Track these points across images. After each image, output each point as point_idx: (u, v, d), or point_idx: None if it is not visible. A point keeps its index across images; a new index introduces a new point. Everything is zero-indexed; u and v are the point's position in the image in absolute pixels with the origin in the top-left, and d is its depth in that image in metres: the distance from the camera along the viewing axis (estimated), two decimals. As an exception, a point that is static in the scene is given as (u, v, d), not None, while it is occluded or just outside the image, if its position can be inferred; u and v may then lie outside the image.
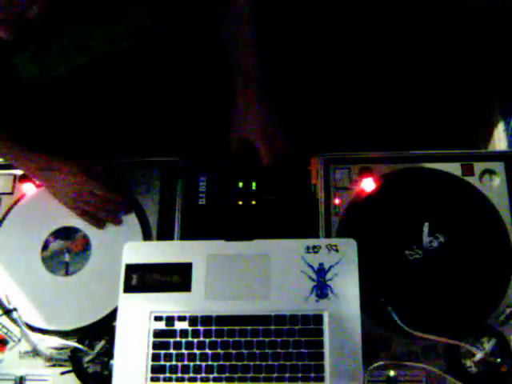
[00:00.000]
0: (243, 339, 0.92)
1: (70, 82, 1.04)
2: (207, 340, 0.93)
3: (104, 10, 0.91)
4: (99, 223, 1.05)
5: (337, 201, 1.04)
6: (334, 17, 1.31)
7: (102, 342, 0.96)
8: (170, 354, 0.92)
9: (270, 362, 0.91)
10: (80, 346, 0.95)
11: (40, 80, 0.98)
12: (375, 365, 0.93)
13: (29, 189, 1.08)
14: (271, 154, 1.05)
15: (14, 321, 0.99)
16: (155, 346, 0.93)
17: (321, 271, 0.94)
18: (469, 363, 0.93)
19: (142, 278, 0.96)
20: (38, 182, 1.08)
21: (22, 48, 0.92)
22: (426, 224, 1.00)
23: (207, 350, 0.92)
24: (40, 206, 1.06)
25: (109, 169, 1.06)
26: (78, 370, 0.95)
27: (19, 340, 0.99)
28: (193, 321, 0.93)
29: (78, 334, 0.98)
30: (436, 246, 0.99)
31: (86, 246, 1.04)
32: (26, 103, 1.07)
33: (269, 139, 1.05)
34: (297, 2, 1.30)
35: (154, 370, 0.92)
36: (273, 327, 0.92)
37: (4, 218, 1.07)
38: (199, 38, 1.18)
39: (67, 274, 1.03)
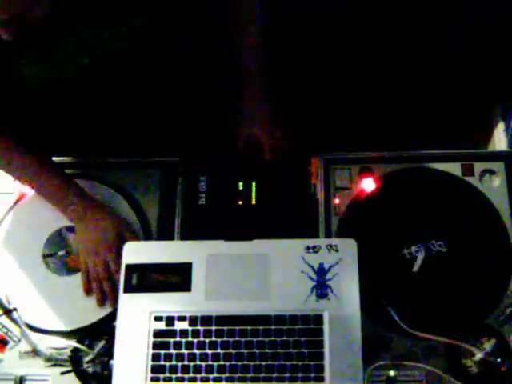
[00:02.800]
0: (243, 339, 0.92)
1: (71, 83, 1.04)
2: (207, 340, 0.93)
3: (108, 11, 0.92)
4: (103, 298, 1.00)
5: (337, 201, 1.04)
6: (335, 18, 1.31)
7: (102, 342, 0.96)
8: (170, 354, 0.92)
9: (269, 362, 0.91)
10: (80, 346, 0.95)
11: (43, 81, 0.98)
12: (375, 365, 0.93)
13: (29, 189, 1.08)
14: (273, 152, 1.05)
15: (14, 321, 1.00)
16: (155, 345, 0.93)
17: (321, 271, 0.94)
18: (469, 363, 0.93)
19: (142, 278, 0.96)
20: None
21: (25, 49, 0.92)
22: (421, 254, 0.99)
23: (207, 350, 0.92)
24: (40, 206, 1.06)
25: (134, 238, 1.03)
26: (77, 370, 0.95)
27: (19, 340, 0.99)
28: (193, 321, 0.93)
29: (78, 334, 0.98)
30: (436, 246, 0.99)
31: (86, 246, 1.04)
32: (28, 104, 1.07)
33: (271, 138, 1.05)
34: (299, 5, 1.30)
35: (154, 370, 0.92)
36: (273, 327, 0.92)
37: (4, 217, 1.07)
38: (202, 37, 1.18)
39: (67, 273, 1.03)
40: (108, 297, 1.00)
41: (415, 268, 0.98)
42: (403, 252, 1.00)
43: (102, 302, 1.00)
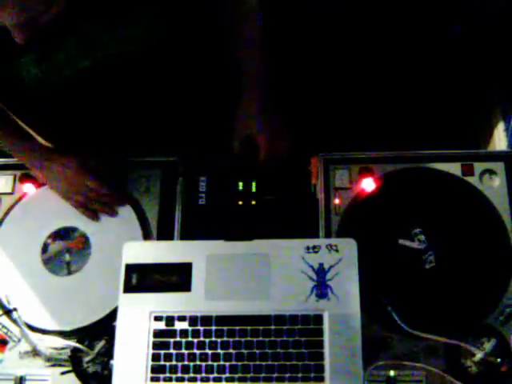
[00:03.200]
0: (243, 339, 0.92)
1: (71, 84, 1.04)
2: (207, 340, 0.93)
3: (112, 15, 0.92)
4: (94, 215, 1.06)
5: (337, 201, 1.04)
6: (335, 18, 1.31)
7: (102, 342, 0.96)
8: (170, 354, 0.92)
9: (269, 362, 0.91)
10: (80, 346, 0.95)
11: (44, 82, 0.98)
12: (375, 365, 0.93)
13: (29, 189, 1.08)
14: (273, 152, 1.05)
15: (14, 321, 0.99)
16: (155, 346, 0.93)
17: (321, 271, 0.94)
18: (469, 363, 0.93)
19: (142, 278, 0.96)
20: (37, 177, 1.09)
21: (26, 50, 0.92)
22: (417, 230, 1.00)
23: (207, 350, 0.92)
24: (40, 206, 1.06)
25: (104, 164, 1.08)
26: (77, 370, 0.95)
27: (19, 340, 0.99)
28: (193, 321, 0.93)
29: (78, 334, 0.98)
30: (436, 246, 0.99)
31: (85, 245, 1.04)
32: (29, 104, 1.08)
33: (271, 138, 1.05)
34: (300, 5, 1.30)
35: (154, 370, 0.92)
36: (273, 327, 0.92)
37: (4, 217, 1.07)
38: (202, 38, 1.18)
39: (67, 274, 1.03)
40: (113, 207, 1.06)
41: (402, 242, 0.98)
42: (403, 252, 1.00)
43: (112, 211, 1.06)
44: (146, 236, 1.04)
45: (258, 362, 0.91)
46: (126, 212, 1.06)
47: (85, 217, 1.06)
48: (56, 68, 0.96)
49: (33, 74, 0.95)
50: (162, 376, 0.92)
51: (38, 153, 1.07)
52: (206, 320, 0.93)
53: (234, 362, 0.91)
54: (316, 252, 0.95)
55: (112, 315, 0.98)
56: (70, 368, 0.95)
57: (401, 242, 0.98)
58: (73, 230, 1.05)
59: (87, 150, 1.09)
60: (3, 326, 1.00)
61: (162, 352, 0.93)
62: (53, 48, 0.93)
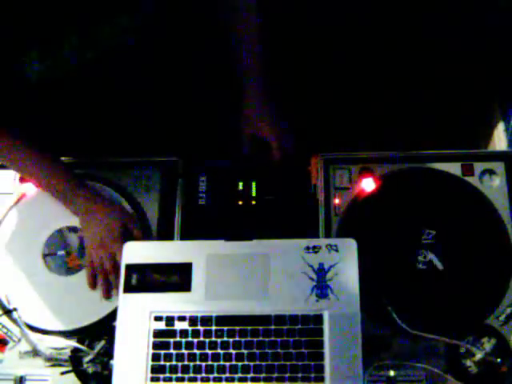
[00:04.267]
0: (243, 339, 0.92)
1: (71, 83, 1.04)
2: (207, 340, 0.93)
3: (112, 4, 0.91)
4: (95, 285, 1.01)
5: (337, 201, 1.04)
6: (336, 17, 1.31)
7: (102, 342, 0.96)
8: (170, 354, 0.92)
9: (269, 362, 0.91)
10: (80, 346, 0.95)
11: (47, 77, 0.98)
12: (375, 365, 0.93)
13: (29, 189, 1.08)
14: (275, 151, 1.05)
15: (14, 321, 0.99)
16: (155, 346, 0.93)
17: (321, 271, 0.94)
18: (469, 363, 0.93)
19: (142, 278, 0.96)
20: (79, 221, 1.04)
21: (29, 46, 0.92)
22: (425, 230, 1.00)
23: (207, 350, 0.92)
24: (40, 206, 1.06)
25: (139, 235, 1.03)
26: (77, 370, 0.95)
27: (19, 340, 0.99)
28: (193, 321, 0.93)
29: (78, 334, 0.98)
30: (436, 246, 0.99)
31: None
32: (31, 101, 1.07)
33: (273, 138, 1.06)
34: (300, 4, 1.30)
35: (154, 370, 0.92)
36: (273, 327, 0.92)
37: (4, 217, 1.07)
38: (202, 37, 1.18)
39: (67, 273, 1.03)
40: (115, 289, 0.99)
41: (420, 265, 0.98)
42: (403, 252, 1.00)
43: (108, 295, 1.00)
44: (146, 236, 1.04)
45: (257, 362, 0.91)
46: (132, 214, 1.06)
47: (86, 278, 1.01)
48: (59, 63, 0.96)
49: (36, 69, 0.95)
50: (161, 376, 0.92)
51: (84, 195, 1.03)
52: (206, 320, 0.93)
53: (233, 362, 0.91)
54: (316, 252, 0.95)
55: (112, 315, 0.98)
56: (70, 368, 0.95)
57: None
58: (73, 229, 1.05)
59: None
60: (3, 326, 1.00)
61: (162, 352, 0.93)
62: (56, 42, 0.92)
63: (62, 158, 1.09)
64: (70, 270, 1.03)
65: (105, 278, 1.00)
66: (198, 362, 0.92)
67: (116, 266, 0.99)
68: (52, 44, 0.92)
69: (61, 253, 1.04)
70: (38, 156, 1.02)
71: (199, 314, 0.94)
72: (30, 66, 0.94)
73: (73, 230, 1.05)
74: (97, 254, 1.00)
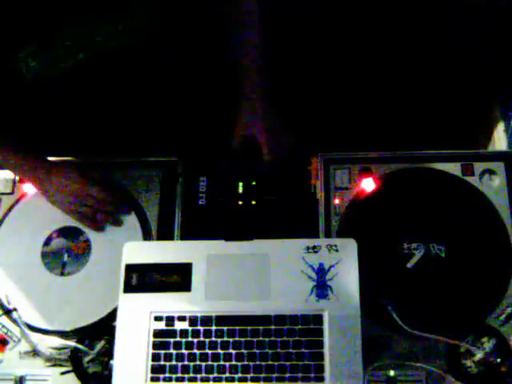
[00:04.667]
0: (243, 339, 0.92)
1: (70, 81, 1.04)
2: (207, 340, 0.93)
3: (107, 7, 0.91)
4: (98, 225, 1.05)
5: (337, 201, 1.04)
6: (335, 17, 1.31)
7: (102, 342, 0.96)
8: (170, 354, 0.92)
9: (269, 362, 0.91)
10: (80, 346, 0.95)
11: (41, 77, 0.98)
12: (375, 365, 0.93)
13: (29, 189, 1.08)
14: (273, 152, 1.05)
15: (14, 321, 0.99)
16: (155, 346, 0.93)
17: (321, 271, 0.94)
18: (469, 363, 0.93)
19: (142, 278, 0.96)
20: (38, 192, 1.07)
21: (23, 45, 0.92)
22: (419, 253, 1.00)
23: (207, 350, 0.92)
24: (40, 206, 1.06)
25: (105, 174, 1.07)
26: (77, 370, 0.95)
27: (19, 340, 0.99)
28: (193, 321, 0.93)
29: (77, 334, 0.98)
30: (436, 246, 1.00)
31: (85, 245, 1.04)
32: (26, 101, 1.07)
33: (271, 138, 1.06)
34: (300, 5, 1.30)
35: (154, 370, 0.92)
36: (273, 327, 0.92)
37: (4, 217, 1.07)
38: (202, 37, 1.18)
39: (67, 273, 1.03)
40: (115, 216, 1.05)
41: (409, 264, 0.98)
42: (403, 252, 1.00)
43: (117, 221, 1.05)
44: (146, 236, 1.04)
45: (258, 362, 0.91)
46: (127, 212, 1.06)
47: (91, 229, 1.05)
48: (54, 61, 0.96)
49: (31, 67, 0.95)
50: (161, 376, 0.92)
51: (38, 166, 1.05)
52: (206, 320, 0.93)
53: (233, 362, 0.91)
54: (316, 252, 0.95)
55: (112, 315, 0.98)
56: (70, 368, 0.95)
57: (409, 265, 0.98)
58: (73, 229, 1.05)
59: (86, 162, 1.08)
60: (3, 326, 1.00)
61: (162, 352, 0.93)
62: (51, 41, 0.92)
63: (63, 158, 1.09)
64: (70, 270, 1.03)
65: (102, 213, 1.04)
66: (197, 362, 0.92)
67: (101, 198, 1.03)
68: (47, 43, 0.92)
69: (61, 253, 1.04)
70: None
71: (199, 314, 0.94)
72: (25, 64, 0.94)
73: (73, 230, 1.05)
74: (77, 206, 1.03)
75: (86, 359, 0.95)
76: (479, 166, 1.04)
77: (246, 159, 1.08)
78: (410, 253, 0.99)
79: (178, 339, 0.93)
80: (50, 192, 1.05)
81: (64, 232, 1.05)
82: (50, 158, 1.07)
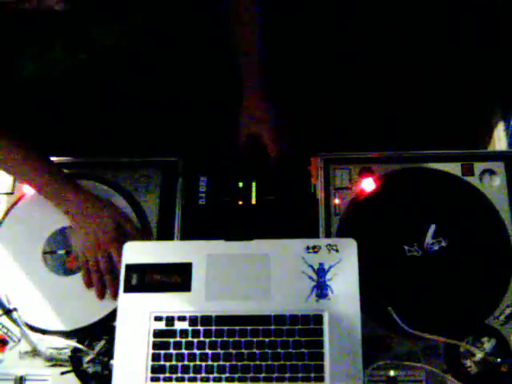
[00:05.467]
0: (243, 339, 0.92)
1: (70, 82, 1.04)
2: (207, 340, 0.93)
3: (105, 8, 0.91)
4: (90, 285, 1.01)
5: (337, 201, 1.04)
6: (336, 17, 1.31)
7: (102, 342, 0.96)
8: (170, 354, 0.92)
9: (269, 362, 0.91)
10: (80, 346, 0.95)
11: (40, 78, 0.98)
12: (375, 365, 0.93)
13: (29, 189, 1.08)
14: (274, 151, 1.05)
15: (14, 321, 0.99)
16: (155, 346, 0.93)
17: (321, 271, 0.94)
18: (469, 363, 0.93)
19: (142, 278, 0.96)
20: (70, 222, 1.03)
21: (22, 47, 0.92)
22: (433, 226, 1.00)
23: (207, 350, 0.92)
24: (40, 206, 1.06)
25: (134, 233, 1.03)
26: (77, 370, 0.95)
27: (19, 340, 0.99)
28: (193, 321, 0.93)
29: (78, 334, 0.98)
30: (436, 246, 0.99)
31: (86, 246, 1.04)
32: (25, 102, 1.07)
33: (272, 137, 1.06)
34: (300, 4, 1.30)
35: (154, 370, 0.92)
36: (273, 327, 0.92)
37: (4, 217, 1.07)
38: (202, 37, 1.18)
39: (67, 273, 1.03)
40: (109, 289, 1.00)
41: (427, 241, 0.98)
42: (403, 252, 1.00)
43: (102, 295, 1.00)
44: (146, 236, 1.04)
45: (258, 362, 0.91)
46: (126, 212, 1.06)
47: (82, 280, 1.01)
48: (53, 63, 0.96)
49: (30, 69, 0.95)
50: (161, 376, 0.92)
51: (75, 195, 1.01)
52: (206, 320, 0.93)
53: (233, 362, 0.91)
54: (316, 252, 0.95)
55: (112, 315, 0.98)
56: (70, 368, 0.95)
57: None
58: (73, 235, 1.05)
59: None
60: (3, 326, 1.00)
61: (162, 352, 0.92)
62: (49, 44, 0.92)
63: (63, 158, 1.09)
64: (70, 270, 1.03)
65: (99, 278, 1.00)
66: (197, 362, 0.92)
67: (112, 266, 1.00)
68: (46, 45, 0.92)
69: (61, 253, 1.04)
70: (23, 156, 1.00)
71: (199, 314, 0.94)
72: (25, 65, 0.94)
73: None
74: (91, 254, 1.00)
75: (86, 359, 0.95)
76: (479, 166, 1.04)
77: (246, 159, 1.08)
78: (410, 253, 0.99)
79: (178, 339, 0.93)
80: (82, 225, 1.01)
81: (64, 232, 1.05)
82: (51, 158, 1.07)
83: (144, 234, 1.03)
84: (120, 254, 0.97)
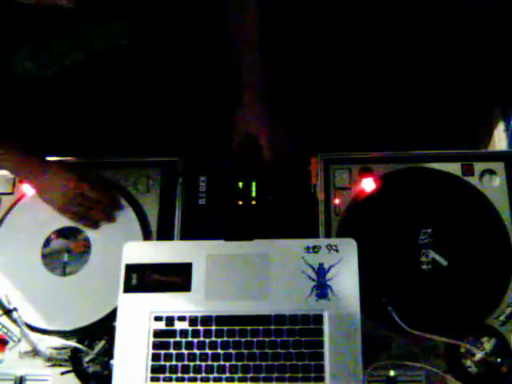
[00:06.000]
0: (243, 339, 0.92)
1: (69, 81, 1.04)
2: (207, 340, 0.93)
3: (103, 8, 0.91)
4: (93, 223, 1.05)
5: (337, 201, 1.04)
6: (336, 18, 1.31)
7: (102, 342, 0.96)
8: (170, 354, 0.92)
9: (269, 362, 0.91)
10: (80, 346, 0.95)
11: (37, 77, 0.98)
12: (375, 365, 0.93)
13: (29, 189, 1.08)
14: (274, 151, 1.05)
15: (14, 321, 0.99)
16: (155, 346, 0.93)
17: (321, 271, 0.94)
18: (469, 363, 0.93)
19: (142, 278, 0.96)
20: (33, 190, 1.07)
21: (20, 45, 0.92)
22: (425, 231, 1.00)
23: (207, 350, 0.92)
24: (40, 206, 1.06)
25: (100, 173, 1.07)
26: (77, 370, 0.95)
27: (19, 340, 0.99)
28: (193, 321, 0.93)
29: (77, 334, 0.98)
30: (436, 246, 1.00)
31: (85, 245, 1.04)
32: (22, 101, 1.07)
33: (272, 137, 1.06)
34: (299, 4, 1.30)
35: (154, 370, 0.92)
36: (273, 327, 0.92)
37: (4, 218, 1.07)
38: (201, 37, 1.18)
39: (67, 273, 1.03)
40: (106, 214, 1.05)
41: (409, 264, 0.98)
42: (403, 252, 1.00)
43: (110, 218, 1.05)
44: (146, 236, 1.04)
45: (257, 362, 0.91)
46: (126, 212, 1.06)
47: (85, 228, 1.05)
48: (50, 61, 0.96)
49: (27, 67, 0.95)
50: (161, 376, 0.92)
51: (34, 164, 1.05)
52: (206, 320, 0.93)
53: (234, 362, 0.91)
54: (316, 252, 0.95)
55: (112, 315, 0.98)
56: (70, 368, 0.95)
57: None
58: (73, 230, 1.05)
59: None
60: (3, 326, 1.00)
61: (162, 352, 0.93)
62: (47, 41, 0.92)
63: (63, 158, 1.09)
64: (70, 270, 1.03)
65: (96, 211, 1.04)
66: (198, 362, 0.92)
67: (95, 197, 1.04)
68: (44, 43, 0.92)
69: (61, 253, 1.04)
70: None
71: (199, 314, 0.94)
72: (23, 64, 0.94)
73: (73, 230, 1.05)
74: (71, 205, 1.04)
75: (86, 359, 0.95)
76: (479, 166, 1.04)
77: (245, 159, 1.08)
78: (410, 253, 0.99)
79: (178, 339, 0.93)
80: (43, 190, 1.06)
81: (64, 232, 1.05)
82: (50, 158, 1.07)
83: (146, 236, 1.04)
84: (90, 189, 1.03)
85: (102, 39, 0.97)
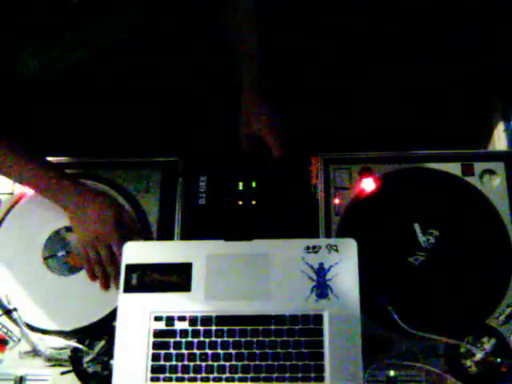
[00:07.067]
0: (243, 339, 0.92)
1: (69, 82, 1.04)
2: (207, 340, 0.93)
3: (104, 5, 0.91)
4: (94, 278, 1.01)
5: (337, 201, 1.04)
6: (336, 18, 1.32)
7: (102, 342, 0.96)
8: (170, 354, 0.92)
9: (270, 362, 0.91)
10: (80, 346, 0.95)
11: (40, 76, 0.98)
12: (375, 365, 0.93)
13: (29, 189, 1.08)
14: (276, 151, 1.05)
15: (14, 321, 0.99)
16: (155, 346, 0.93)
17: (321, 271, 0.94)
18: (469, 363, 0.93)
19: (142, 278, 0.96)
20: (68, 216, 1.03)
21: (23, 43, 0.92)
22: (417, 225, 1.00)
23: (207, 350, 0.92)
24: (40, 206, 1.06)
25: (133, 225, 1.04)
26: (77, 370, 0.95)
27: (19, 340, 0.99)
28: (193, 321, 0.93)
29: (77, 334, 0.98)
30: (436, 246, 1.00)
31: (86, 245, 1.04)
32: (26, 99, 1.07)
33: (273, 138, 1.06)
34: (299, 4, 1.31)
35: (154, 370, 0.92)
36: (273, 327, 0.92)
37: (4, 217, 1.07)
38: (202, 37, 1.18)
39: (67, 273, 1.03)
40: (113, 280, 1.00)
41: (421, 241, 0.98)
42: (403, 252, 1.00)
43: (106, 286, 1.01)
44: (146, 236, 1.04)
45: (258, 362, 0.91)
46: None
47: (85, 272, 1.01)
48: (54, 60, 0.96)
49: (31, 66, 0.95)
50: (161, 376, 0.92)
51: (72, 190, 1.01)
52: (206, 320, 0.93)
53: (234, 362, 0.91)
54: (316, 252, 0.95)
55: (112, 315, 0.98)
56: (70, 368, 0.95)
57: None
58: (73, 230, 1.05)
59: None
60: (3, 326, 1.00)
61: (162, 352, 0.93)
62: (50, 40, 0.92)
63: (63, 158, 1.09)
64: (70, 270, 1.03)
65: (103, 271, 1.00)
66: (197, 362, 0.92)
67: (114, 257, 1.00)
68: (46, 42, 0.92)
69: (61, 253, 1.04)
70: (14, 155, 1.00)
71: (199, 314, 0.94)
72: (25, 64, 0.94)
73: (73, 230, 1.05)
74: (92, 248, 1.00)
75: (86, 359, 0.95)
76: (479, 166, 1.04)
77: (246, 159, 1.08)
78: (410, 253, 0.99)
79: (177, 339, 0.93)
80: (81, 220, 1.01)
81: (64, 232, 1.05)
82: (49, 158, 1.07)
83: (146, 236, 1.03)
84: (120, 245, 0.97)
85: (104, 38, 0.96)
